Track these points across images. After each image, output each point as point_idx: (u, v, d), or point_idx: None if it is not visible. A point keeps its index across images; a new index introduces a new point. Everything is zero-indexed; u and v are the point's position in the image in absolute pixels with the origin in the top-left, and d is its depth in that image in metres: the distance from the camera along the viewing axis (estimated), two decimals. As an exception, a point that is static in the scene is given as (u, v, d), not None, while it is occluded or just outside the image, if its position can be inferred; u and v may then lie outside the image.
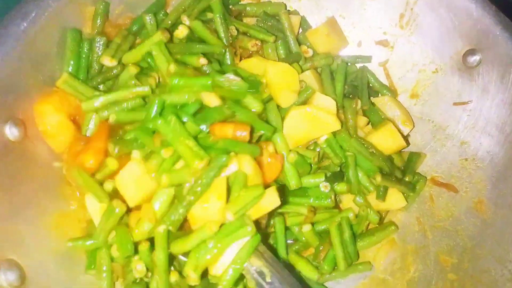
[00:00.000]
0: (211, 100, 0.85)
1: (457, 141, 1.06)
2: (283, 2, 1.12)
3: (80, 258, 0.86)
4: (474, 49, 1.00)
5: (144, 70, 0.91)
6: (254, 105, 0.88)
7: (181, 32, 0.97)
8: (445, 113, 1.08)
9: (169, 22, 1.00)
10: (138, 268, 0.80)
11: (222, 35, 0.99)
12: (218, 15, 0.99)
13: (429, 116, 1.10)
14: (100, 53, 0.93)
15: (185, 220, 0.80)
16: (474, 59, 1.01)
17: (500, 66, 0.96)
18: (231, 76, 0.85)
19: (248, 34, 1.04)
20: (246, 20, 1.11)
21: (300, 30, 1.16)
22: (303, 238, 1.00)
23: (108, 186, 0.82)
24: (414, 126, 1.11)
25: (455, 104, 1.06)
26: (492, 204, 0.98)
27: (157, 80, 0.90)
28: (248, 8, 1.09)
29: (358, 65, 1.16)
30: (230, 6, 1.09)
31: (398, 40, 1.13)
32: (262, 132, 0.89)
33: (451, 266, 0.99)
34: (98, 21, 0.95)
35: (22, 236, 0.78)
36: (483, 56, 0.99)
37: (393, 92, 1.14)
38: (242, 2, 1.11)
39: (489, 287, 0.93)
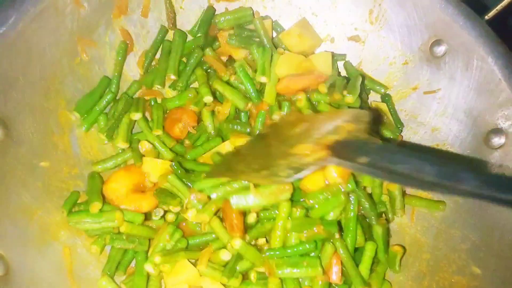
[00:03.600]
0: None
1: (428, 128, 1.10)
2: (250, 7, 1.16)
3: (60, 250, 0.89)
4: (439, 39, 1.05)
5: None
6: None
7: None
8: (417, 102, 1.12)
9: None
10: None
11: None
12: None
13: (402, 106, 1.14)
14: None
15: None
16: (440, 49, 1.05)
17: (464, 54, 1.00)
18: None
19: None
20: (222, 33, 1.15)
21: (274, 34, 1.21)
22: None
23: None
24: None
25: (425, 93, 1.10)
26: (463, 186, 1.01)
27: None
28: (222, 19, 1.13)
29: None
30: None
31: (369, 35, 1.17)
32: None
33: (427, 246, 1.02)
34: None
35: (3, 229, 0.80)
36: (449, 46, 1.03)
37: (385, 88, 1.15)
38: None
39: (461, 266, 0.95)
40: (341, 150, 0.78)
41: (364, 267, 0.94)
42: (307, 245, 0.89)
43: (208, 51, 1.12)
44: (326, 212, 0.92)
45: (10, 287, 0.77)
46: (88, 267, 0.92)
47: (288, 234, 0.91)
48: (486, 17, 1.03)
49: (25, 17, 0.88)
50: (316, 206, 0.91)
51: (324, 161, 0.80)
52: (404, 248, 1.04)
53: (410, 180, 0.67)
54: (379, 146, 0.81)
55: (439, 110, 1.08)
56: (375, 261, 0.97)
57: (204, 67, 1.13)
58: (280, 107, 1.03)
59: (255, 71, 1.07)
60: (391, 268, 1.01)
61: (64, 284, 0.86)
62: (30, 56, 0.92)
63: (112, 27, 1.05)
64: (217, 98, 1.11)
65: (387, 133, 1.08)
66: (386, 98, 1.14)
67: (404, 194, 1.06)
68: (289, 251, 0.89)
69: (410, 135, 1.12)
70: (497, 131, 0.96)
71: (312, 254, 0.91)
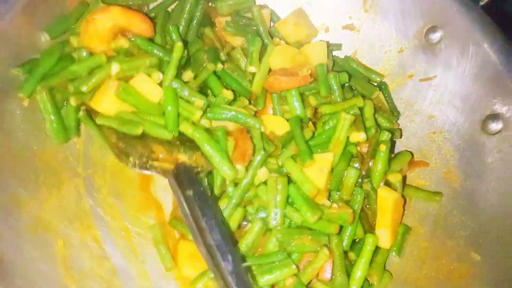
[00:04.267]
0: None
1: (425, 116, 1.09)
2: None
3: (53, 241, 0.87)
4: (435, 26, 1.04)
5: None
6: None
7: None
8: (413, 90, 1.11)
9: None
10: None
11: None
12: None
13: (398, 94, 1.13)
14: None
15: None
16: (435, 36, 1.05)
17: (460, 41, 1.00)
18: None
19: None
20: (220, 19, 1.14)
21: (271, 24, 1.20)
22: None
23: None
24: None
25: (421, 80, 1.10)
26: (461, 173, 1.00)
27: None
28: (223, 5, 1.12)
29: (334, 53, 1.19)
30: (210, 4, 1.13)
31: (364, 24, 1.16)
32: None
33: (424, 235, 1.01)
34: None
35: (-4, 221, 0.79)
36: (444, 32, 1.03)
37: (381, 76, 1.14)
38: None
39: (460, 254, 0.94)
40: (182, 173, 0.87)
41: (364, 261, 0.92)
42: (279, 255, 0.88)
43: (208, 30, 1.10)
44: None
45: (2, 279, 0.75)
46: (81, 259, 0.90)
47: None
48: (481, 3, 1.02)
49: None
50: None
51: (164, 174, 0.87)
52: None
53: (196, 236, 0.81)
54: (198, 192, 0.85)
55: (435, 98, 1.07)
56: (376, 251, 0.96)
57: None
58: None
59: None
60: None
61: (57, 275, 0.85)
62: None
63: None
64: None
65: (384, 122, 1.07)
66: (382, 86, 1.13)
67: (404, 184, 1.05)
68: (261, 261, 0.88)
69: (406, 123, 1.11)
70: (494, 116, 0.95)
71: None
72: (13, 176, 0.86)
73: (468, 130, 1.00)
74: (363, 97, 1.05)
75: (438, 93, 1.06)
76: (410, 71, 1.11)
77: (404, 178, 1.06)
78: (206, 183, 0.93)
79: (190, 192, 0.84)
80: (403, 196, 1.02)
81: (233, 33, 1.11)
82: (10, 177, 0.85)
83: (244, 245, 0.90)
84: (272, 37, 1.14)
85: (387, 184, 1.01)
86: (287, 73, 1.01)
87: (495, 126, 0.95)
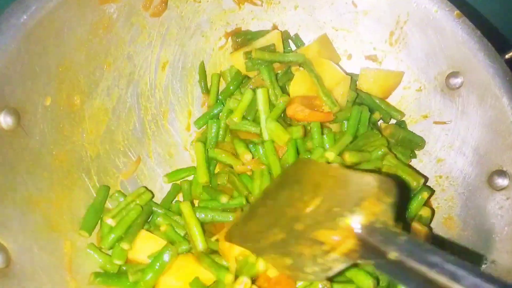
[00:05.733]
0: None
1: (433, 158, 1.11)
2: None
3: (61, 243, 0.90)
4: (457, 71, 1.05)
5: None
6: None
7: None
8: (425, 130, 1.13)
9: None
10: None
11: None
12: None
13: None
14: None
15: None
16: (456, 81, 1.05)
17: (480, 91, 1.01)
18: None
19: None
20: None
21: (294, 47, 1.20)
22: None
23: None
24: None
25: (435, 122, 1.11)
26: (460, 222, 1.03)
27: None
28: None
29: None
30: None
31: (387, 57, 1.17)
32: None
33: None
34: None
35: (8, 219, 0.81)
36: (465, 79, 1.04)
37: (402, 114, 1.15)
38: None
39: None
40: (368, 239, 0.63)
41: None
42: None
43: None
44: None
45: (10, 281, 0.77)
46: (86, 262, 0.93)
47: None
48: (507, 56, 1.03)
49: (46, 6, 0.87)
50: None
51: (351, 257, 0.66)
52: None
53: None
54: (409, 239, 0.61)
55: (446, 142, 1.08)
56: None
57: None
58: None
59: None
60: None
61: (62, 278, 0.87)
62: (47, 45, 0.91)
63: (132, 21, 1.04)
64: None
65: (399, 156, 1.08)
66: (401, 125, 1.14)
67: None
68: None
69: (414, 162, 1.13)
70: (502, 173, 0.97)
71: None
72: (28, 175, 0.87)
73: (474, 181, 1.02)
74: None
75: (450, 138, 1.08)
76: (426, 111, 1.12)
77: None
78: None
79: (393, 255, 0.60)
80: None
81: (249, 67, 1.12)
82: (26, 176, 0.87)
83: None
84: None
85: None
86: (310, 104, 1.02)
87: (501, 182, 0.97)
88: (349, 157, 0.97)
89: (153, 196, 1.06)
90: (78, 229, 0.94)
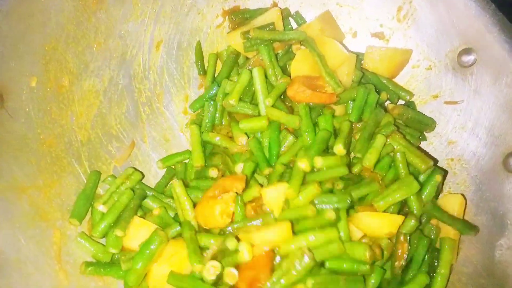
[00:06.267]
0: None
1: (444, 140, 1.05)
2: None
3: (50, 232, 0.86)
4: (469, 48, 0.98)
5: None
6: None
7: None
8: (436, 110, 1.06)
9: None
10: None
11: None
12: None
13: (419, 113, 1.09)
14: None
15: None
16: (469, 58, 0.99)
17: (494, 68, 0.94)
18: None
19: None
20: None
21: (295, 25, 1.14)
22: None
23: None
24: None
25: (446, 102, 1.05)
26: (473, 206, 0.97)
27: None
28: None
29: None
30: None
31: (394, 34, 1.10)
32: None
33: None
34: None
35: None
36: (478, 56, 0.97)
37: (411, 94, 1.09)
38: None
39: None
40: None
41: None
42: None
43: None
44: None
45: (-4, 272, 0.73)
46: (76, 251, 0.89)
47: None
48: (524, 31, 0.96)
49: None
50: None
51: None
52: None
53: None
54: None
55: (458, 123, 1.02)
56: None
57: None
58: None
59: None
60: None
61: (51, 268, 0.83)
62: (32, 22, 0.86)
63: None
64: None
65: (408, 137, 1.02)
66: (410, 105, 1.08)
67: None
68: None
69: (424, 145, 1.07)
70: (518, 154, 0.91)
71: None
72: (14, 160, 0.83)
73: (488, 163, 0.96)
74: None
75: (462, 119, 1.01)
76: (436, 91, 1.06)
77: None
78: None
79: None
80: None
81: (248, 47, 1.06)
82: (11, 161, 0.82)
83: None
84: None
85: None
86: (312, 84, 0.96)
87: (517, 164, 0.91)
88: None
89: (143, 176, 1.01)
90: (68, 218, 0.90)
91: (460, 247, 0.96)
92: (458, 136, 1.02)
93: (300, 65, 1.00)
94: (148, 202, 0.95)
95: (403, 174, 0.94)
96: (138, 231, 0.87)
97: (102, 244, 0.90)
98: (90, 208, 0.92)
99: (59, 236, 0.86)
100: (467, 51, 0.99)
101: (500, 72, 0.93)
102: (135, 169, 0.99)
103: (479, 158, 0.98)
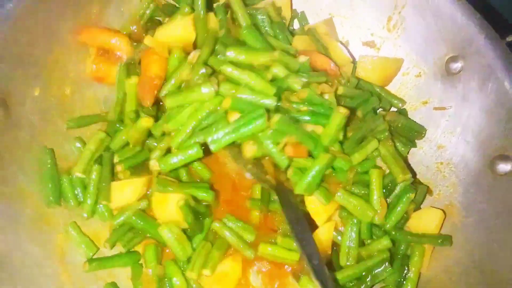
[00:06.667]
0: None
1: (434, 145, 1.08)
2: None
3: (54, 235, 0.88)
4: (456, 56, 1.02)
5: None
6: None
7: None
8: (425, 116, 1.10)
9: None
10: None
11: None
12: None
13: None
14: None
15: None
16: (456, 66, 1.03)
17: (480, 75, 0.98)
18: None
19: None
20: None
21: (297, 26, 1.18)
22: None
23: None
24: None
25: (435, 108, 1.08)
26: (462, 209, 1.00)
27: None
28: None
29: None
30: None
31: (385, 43, 1.14)
32: None
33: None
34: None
35: (-2, 211, 0.79)
36: (465, 63, 1.01)
37: (403, 102, 1.12)
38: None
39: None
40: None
41: None
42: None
43: None
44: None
45: (0, 275, 0.76)
46: (79, 254, 0.91)
47: None
48: (508, 39, 1.00)
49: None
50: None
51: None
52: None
53: None
54: None
55: (447, 128, 1.06)
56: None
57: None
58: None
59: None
60: None
61: (54, 271, 0.86)
62: (36, 33, 0.89)
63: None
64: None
65: (399, 146, 1.06)
66: (402, 112, 1.12)
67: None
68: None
69: (414, 150, 1.11)
70: (504, 157, 0.93)
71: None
72: (20, 168, 0.86)
73: (476, 166, 0.99)
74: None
75: (451, 124, 1.05)
76: (426, 98, 1.10)
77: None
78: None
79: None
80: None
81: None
82: (17, 169, 0.85)
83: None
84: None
85: None
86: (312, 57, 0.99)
87: (503, 167, 0.94)
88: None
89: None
90: (70, 221, 0.92)
91: (450, 248, 1.00)
92: (447, 140, 1.06)
93: (299, 42, 1.06)
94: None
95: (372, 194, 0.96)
96: (121, 192, 0.90)
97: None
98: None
99: (62, 239, 0.89)
100: (454, 58, 1.02)
101: (486, 78, 0.97)
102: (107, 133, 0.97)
103: (467, 161, 1.01)
